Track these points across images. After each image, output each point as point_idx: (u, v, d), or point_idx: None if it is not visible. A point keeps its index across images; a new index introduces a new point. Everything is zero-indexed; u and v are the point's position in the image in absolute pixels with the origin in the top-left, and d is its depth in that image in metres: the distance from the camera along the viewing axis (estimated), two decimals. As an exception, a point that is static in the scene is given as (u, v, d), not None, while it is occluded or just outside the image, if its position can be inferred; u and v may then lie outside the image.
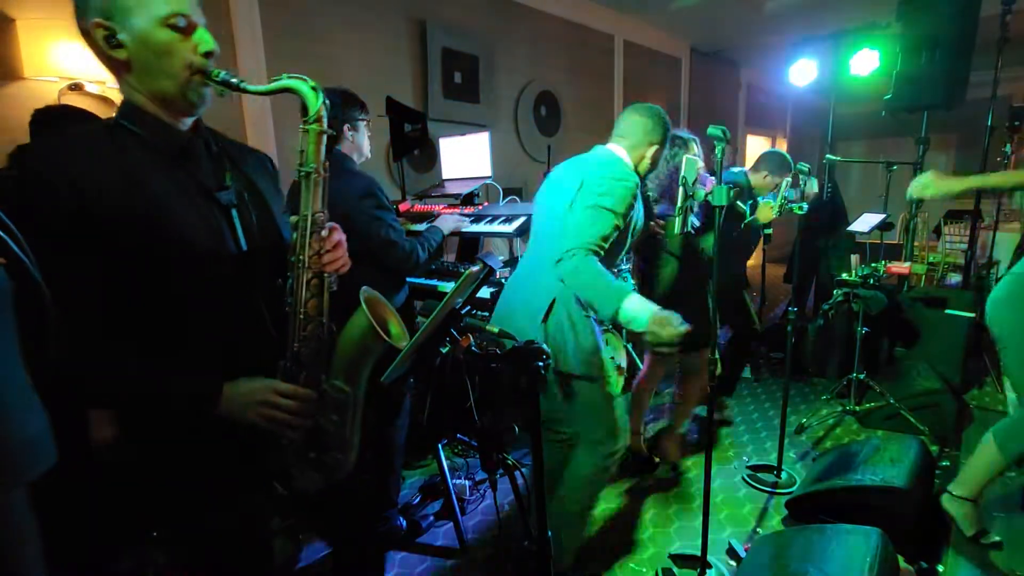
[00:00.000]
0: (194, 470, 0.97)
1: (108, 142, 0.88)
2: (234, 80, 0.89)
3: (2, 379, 0.58)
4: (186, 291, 0.91)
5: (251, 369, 0.96)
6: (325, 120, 0.94)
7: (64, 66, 2.25)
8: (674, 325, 1.34)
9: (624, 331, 1.71)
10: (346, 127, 1.88)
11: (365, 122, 1.98)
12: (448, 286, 2.30)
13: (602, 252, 1.49)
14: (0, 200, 0.65)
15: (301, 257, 0.95)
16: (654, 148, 1.69)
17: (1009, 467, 1.89)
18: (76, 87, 2.33)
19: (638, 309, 1.38)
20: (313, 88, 0.92)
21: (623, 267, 1.78)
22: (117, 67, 0.89)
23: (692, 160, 1.86)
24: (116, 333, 0.87)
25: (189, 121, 0.96)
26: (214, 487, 0.99)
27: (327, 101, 0.94)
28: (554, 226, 1.61)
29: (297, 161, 0.95)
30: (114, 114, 0.92)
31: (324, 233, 0.97)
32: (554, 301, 1.59)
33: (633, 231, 1.67)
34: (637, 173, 1.68)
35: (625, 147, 1.70)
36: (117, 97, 2.71)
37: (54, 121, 1.81)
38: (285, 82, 0.91)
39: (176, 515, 1.02)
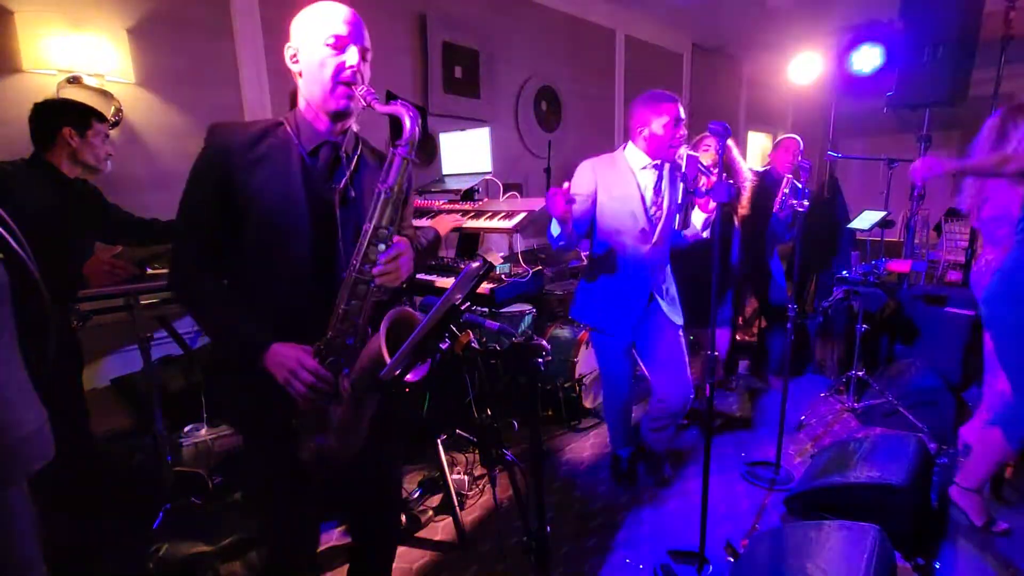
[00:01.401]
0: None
1: (265, 133, 1.11)
2: (368, 98, 1.08)
3: (1, 375, 0.58)
4: (268, 258, 1.11)
5: (303, 338, 1.11)
6: (413, 149, 1.09)
7: (62, 59, 2.25)
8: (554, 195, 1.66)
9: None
10: None
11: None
12: (439, 281, 2.30)
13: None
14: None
15: (355, 262, 1.08)
16: (638, 129, 1.95)
17: (1012, 457, 1.92)
18: (74, 80, 2.32)
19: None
20: (411, 117, 1.08)
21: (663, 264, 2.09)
22: (298, 78, 1.13)
23: (693, 156, 1.85)
24: (220, 270, 1.12)
25: (340, 126, 1.14)
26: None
27: (418, 133, 1.09)
28: None
29: (381, 176, 1.09)
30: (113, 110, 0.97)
31: (382, 247, 1.08)
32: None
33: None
34: (652, 156, 1.95)
35: (631, 139, 2.01)
36: (116, 90, 2.69)
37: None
38: (397, 108, 1.09)
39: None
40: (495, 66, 4.13)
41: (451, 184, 2.86)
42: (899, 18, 3.76)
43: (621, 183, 1.97)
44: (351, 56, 1.08)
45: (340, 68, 1.08)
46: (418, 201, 2.64)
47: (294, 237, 1.10)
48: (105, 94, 2.43)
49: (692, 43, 6.17)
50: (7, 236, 0.59)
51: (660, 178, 2.01)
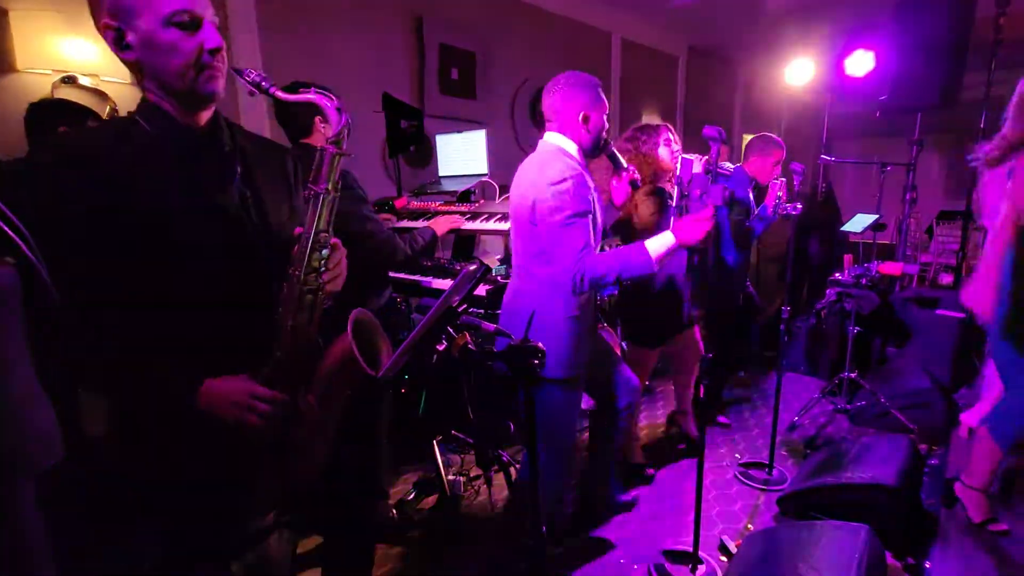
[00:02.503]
0: (179, 465, 0.98)
1: (121, 137, 0.91)
2: (264, 84, 0.93)
3: (13, 376, 0.59)
4: (169, 282, 0.92)
5: (235, 367, 0.97)
6: (344, 144, 0.97)
7: (57, 58, 2.24)
8: (695, 222, 1.50)
9: None
10: (317, 119, 1.88)
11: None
12: (436, 282, 2.31)
13: (594, 250, 1.57)
14: (3, 195, 0.65)
15: (298, 273, 0.97)
16: (583, 115, 1.60)
17: (1006, 454, 1.95)
18: (70, 80, 2.31)
19: (660, 241, 1.52)
20: (338, 109, 0.96)
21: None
22: (130, 66, 0.91)
23: (689, 160, 1.87)
24: (113, 317, 0.89)
25: (203, 116, 0.97)
26: (201, 482, 0.98)
27: (350, 123, 0.97)
28: (527, 244, 1.63)
29: (311, 177, 0.97)
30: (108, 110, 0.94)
31: (325, 252, 0.99)
32: (533, 312, 1.58)
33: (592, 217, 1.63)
34: (585, 149, 1.63)
35: (557, 130, 1.64)
36: (111, 90, 2.67)
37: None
38: (312, 96, 0.95)
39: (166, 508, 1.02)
40: (492, 68, 4.14)
41: (447, 186, 2.86)
42: (892, 23, 3.80)
43: (592, 188, 1.63)
44: (210, 36, 0.89)
45: (198, 53, 0.88)
46: (415, 203, 2.65)
47: (195, 253, 0.93)
48: (100, 94, 2.41)
49: (688, 46, 6.20)
50: (19, 240, 0.59)
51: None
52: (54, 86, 2.28)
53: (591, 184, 1.62)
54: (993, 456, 1.96)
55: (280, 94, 0.95)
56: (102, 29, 0.87)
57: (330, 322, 1.04)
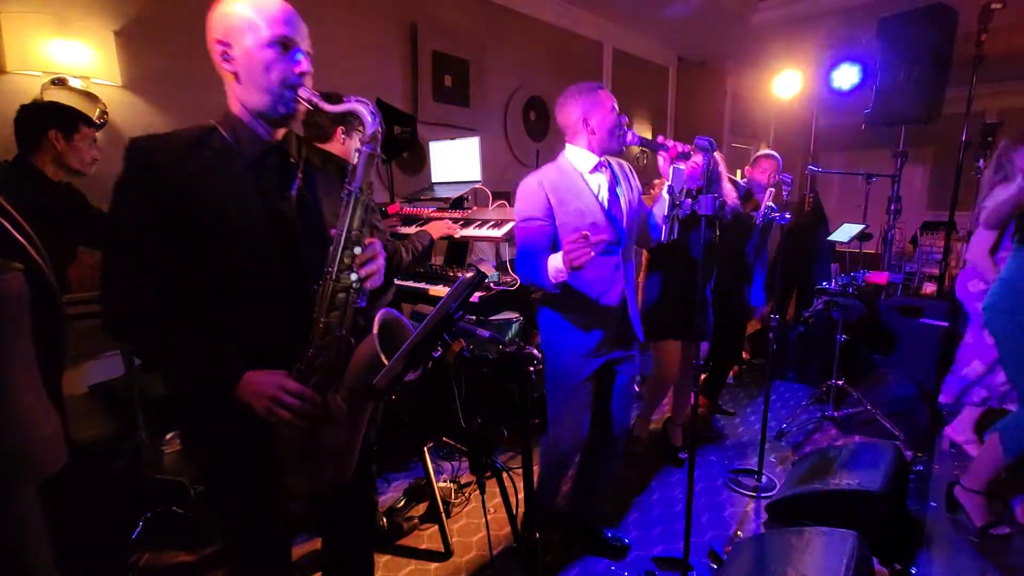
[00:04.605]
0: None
1: (198, 142, 1.00)
2: (314, 99, 0.99)
3: (21, 382, 0.58)
4: (227, 279, 1.00)
5: (276, 362, 1.01)
6: (378, 145, 1.02)
7: (47, 60, 2.22)
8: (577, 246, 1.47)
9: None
10: (340, 130, 1.87)
11: (360, 133, 1.98)
12: (432, 289, 2.31)
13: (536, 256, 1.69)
14: (7, 194, 0.65)
15: (331, 270, 1.00)
16: (582, 122, 1.72)
17: (1010, 463, 1.99)
18: (59, 81, 2.29)
19: (554, 261, 1.59)
20: (372, 113, 1.01)
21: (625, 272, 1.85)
22: (227, 78, 1.01)
23: (679, 169, 1.89)
24: (169, 302, 0.98)
25: (280, 132, 1.06)
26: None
27: (383, 127, 1.02)
28: None
29: (347, 179, 1.01)
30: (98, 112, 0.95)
31: (357, 251, 1.01)
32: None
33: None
34: (605, 148, 1.75)
35: (569, 141, 1.78)
36: (101, 92, 2.66)
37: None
38: (352, 105, 1.00)
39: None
40: (485, 76, 4.16)
41: (440, 192, 2.87)
42: (877, 38, 3.88)
43: (574, 193, 1.72)
44: (302, 61, 0.99)
45: (289, 74, 0.98)
46: (407, 209, 2.65)
47: (254, 253, 1.01)
48: (90, 96, 2.40)
49: (678, 56, 6.28)
50: (28, 245, 0.59)
51: (614, 177, 1.81)
52: (43, 88, 2.26)
53: (579, 189, 1.73)
54: (998, 462, 2.00)
55: (325, 106, 0.99)
56: (212, 44, 0.98)
57: (362, 323, 1.07)
